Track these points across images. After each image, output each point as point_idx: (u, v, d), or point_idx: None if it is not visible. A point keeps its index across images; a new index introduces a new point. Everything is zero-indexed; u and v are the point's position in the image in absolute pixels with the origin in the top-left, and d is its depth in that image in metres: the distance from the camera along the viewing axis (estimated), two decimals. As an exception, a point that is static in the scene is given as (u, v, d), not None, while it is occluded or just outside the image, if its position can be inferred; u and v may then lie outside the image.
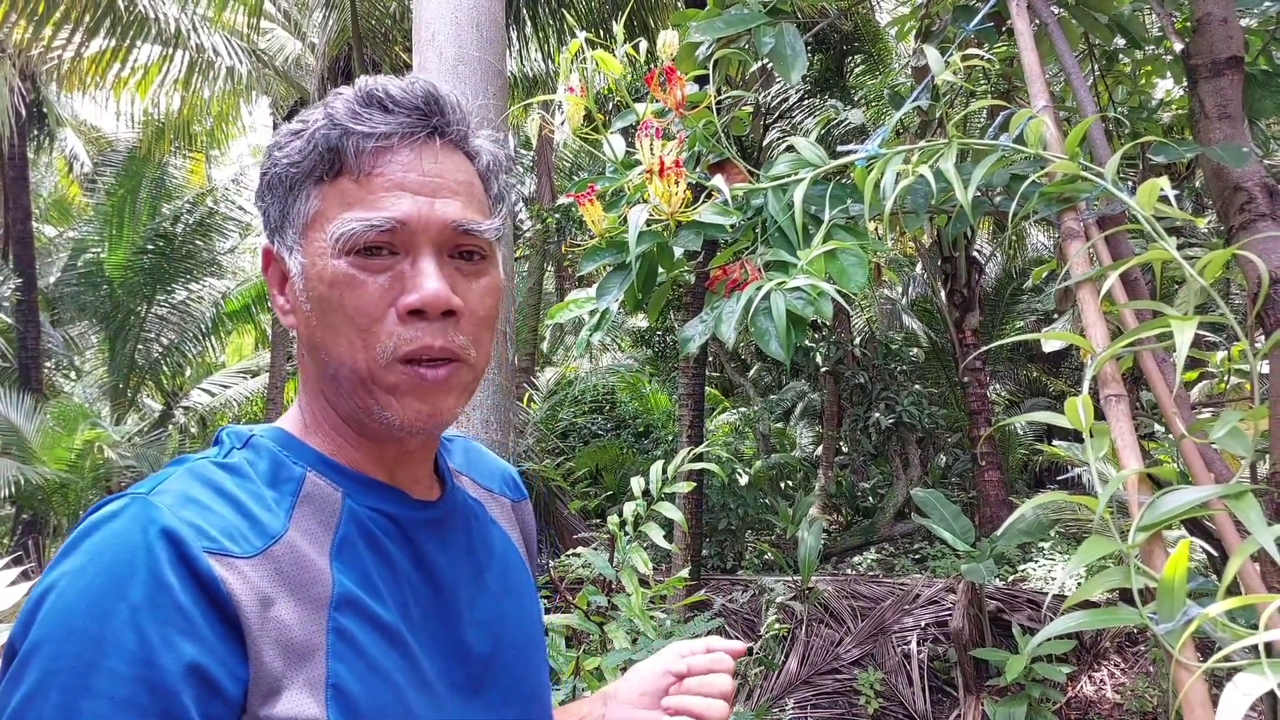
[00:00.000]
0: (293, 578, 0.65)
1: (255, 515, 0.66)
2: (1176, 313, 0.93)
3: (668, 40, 1.31)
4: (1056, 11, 1.90)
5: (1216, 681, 0.83)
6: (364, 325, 0.68)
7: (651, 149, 1.18)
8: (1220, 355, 1.43)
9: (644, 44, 1.39)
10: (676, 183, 1.20)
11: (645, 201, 1.27)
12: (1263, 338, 1.10)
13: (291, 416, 0.77)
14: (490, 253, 0.74)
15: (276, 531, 0.66)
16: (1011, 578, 6.72)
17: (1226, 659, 0.73)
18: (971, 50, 1.27)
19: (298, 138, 0.71)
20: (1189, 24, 1.64)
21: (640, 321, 11.15)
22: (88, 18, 7.36)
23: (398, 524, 0.73)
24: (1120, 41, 2.14)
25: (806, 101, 8.34)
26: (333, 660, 0.64)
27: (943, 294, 7.98)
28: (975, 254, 8.12)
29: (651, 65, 1.33)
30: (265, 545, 0.65)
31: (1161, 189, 0.98)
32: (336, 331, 0.69)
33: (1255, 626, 0.75)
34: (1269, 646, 0.74)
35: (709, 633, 5.50)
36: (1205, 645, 0.96)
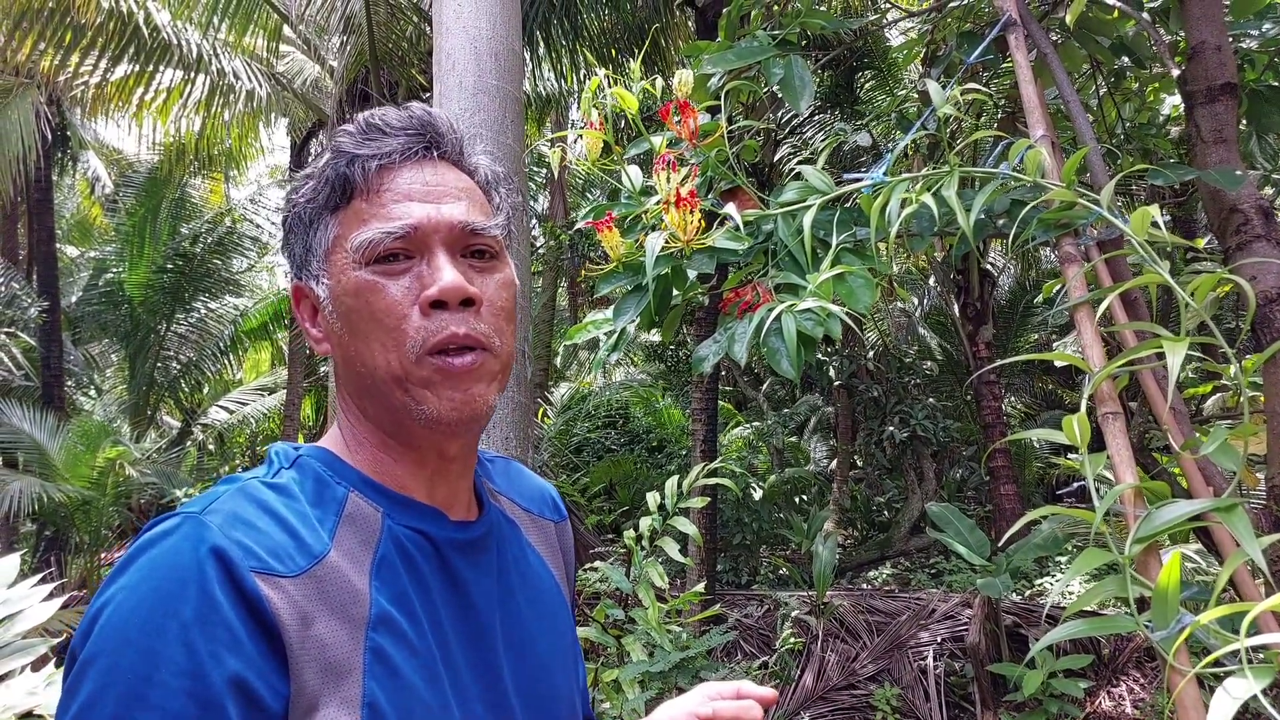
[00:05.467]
0: (333, 597, 0.67)
1: (300, 534, 0.69)
2: (1169, 334, 0.97)
3: (683, 78, 1.37)
4: (1057, 37, 1.95)
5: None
6: (392, 325, 0.72)
7: (668, 180, 1.24)
8: (1234, 369, 1.46)
9: (660, 80, 1.45)
10: (691, 212, 1.26)
11: (662, 228, 1.32)
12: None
13: (333, 437, 0.80)
14: (499, 250, 0.79)
15: (320, 551, 0.69)
16: (1028, 592, 6.68)
17: (1218, 663, 0.77)
18: (972, 85, 1.32)
19: (310, 179, 0.78)
20: (1186, 50, 1.69)
21: (653, 337, 11.19)
22: (113, 45, 7.54)
23: (434, 544, 0.76)
24: (1125, 60, 2.18)
25: (817, 118, 8.39)
26: (369, 679, 0.66)
27: (956, 307, 7.99)
28: (988, 267, 8.12)
29: (667, 99, 1.39)
30: (309, 565, 0.68)
31: (1153, 216, 1.03)
32: (367, 338, 0.73)
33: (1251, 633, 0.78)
34: (1262, 649, 0.78)
35: (726, 655, 5.49)
36: (1210, 652, 0.99)
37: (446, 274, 0.73)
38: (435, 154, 0.78)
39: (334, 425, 0.81)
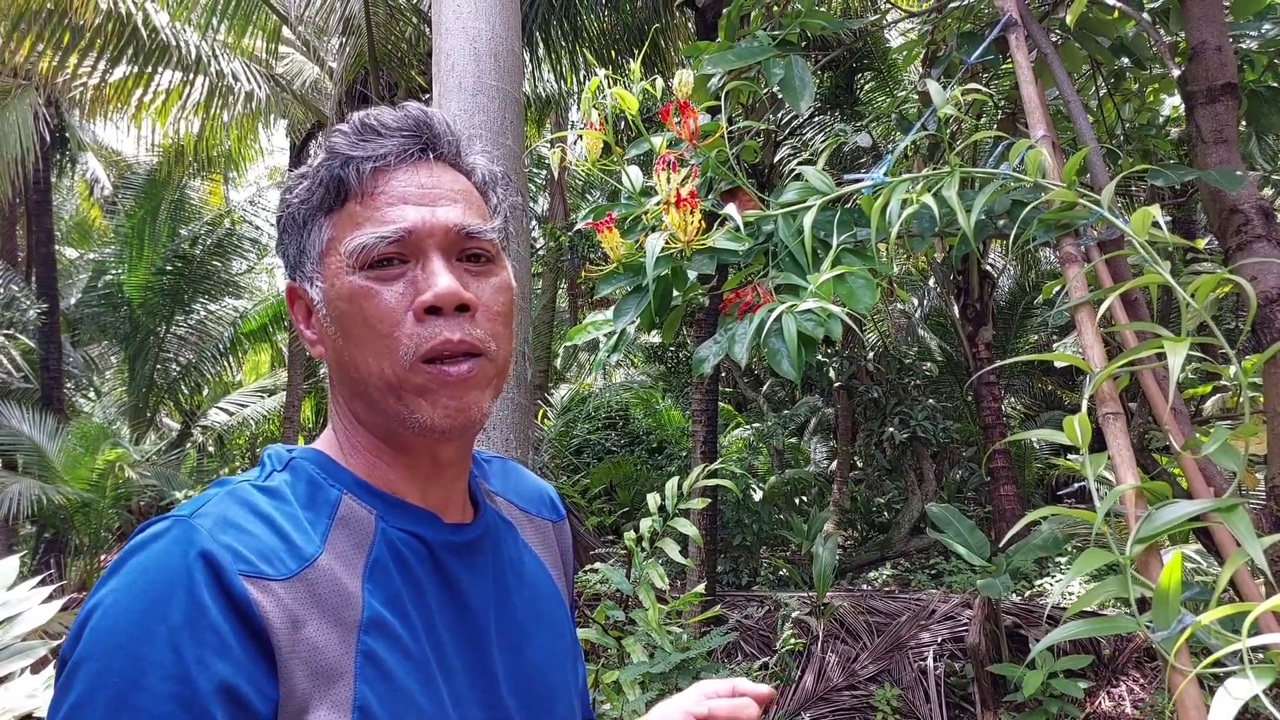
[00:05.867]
0: (325, 600, 0.67)
1: (291, 538, 0.69)
2: (1170, 334, 0.97)
3: (684, 78, 1.37)
4: (1058, 37, 1.95)
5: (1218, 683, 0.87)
6: (385, 331, 0.71)
7: (668, 181, 1.24)
8: (1234, 369, 1.46)
9: (660, 80, 1.45)
10: (692, 212, 1.26)
11: (661, 229, 1.32)
12: None
13: (328, 439, 0.80)
14: (496, 254, 0.78)
15: (311, 554, 0.69)
16: (1028, 593, 6.68)
17: (1219, 664, 0.77)
18: (972, 85, 1.32)
19: (305, 179, 0.76)
20: (1187, 50, 1.69)
21: (653, 338, 11.20)
22: (111, 46, 7.54)
23: (428, 547, 0.75)
24: (1125, 61, 2.18)
25: (816, 119, 8.39)
26: (360, 683, 0.66)
27: (956, 308, 7.99)
28: (988, 268, 8.13)
29: (667, 99, 1.39)
30: (299, 568, 0.68)
31: (1155, 215, 1.03)
32: (361, 343, 0.72)
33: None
34: (1263, 649, 0.78)
35: (726, 656, 5.49)
36: (1211, 652, 0.99)
37: (441, 279, 0.72)
38: (431, 155, 0.76)
39: (329, 427, 0.81)
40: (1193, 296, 0.98)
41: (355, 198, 0.74)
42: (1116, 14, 1.86)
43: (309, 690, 0.64)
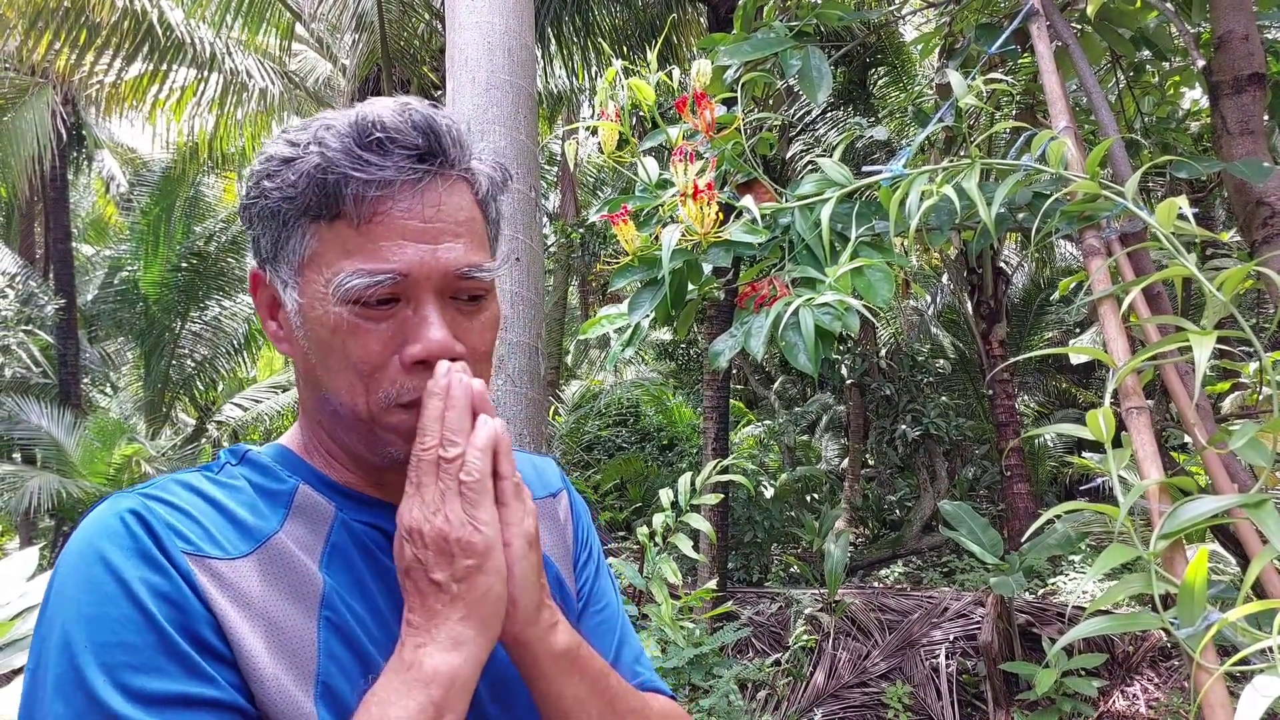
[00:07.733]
0: (282, 577, 0.66)
1: (243, 521, 0.68)
2: (1195, 327, 0.95)
3: (701, 69, 1.36)
4: (1077, 29, 1.93)
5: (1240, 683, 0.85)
6: (366, 371, 0.67)
7: (685, 173, 1.23)
8: (1253, 366, 1.44)
9: (676, 71, 1.44)
10: (709, 205, 1.25)
11: (677, 221, 1.31)
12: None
13: (292, 434, 0.78)
14: (490, 287, 0.73)
15: (268, 533, 0.68)
16: (1041, 591, 6.64)
17: (1245, 661, 0.75)
18: (994, 75, 1.31)
19: (289, 168, 0.68)
20: (1213, 39, 1.67)
21: (664, 334, 11.20)
22: (127, 44, 7.60)
23: (391, 539, 0.72)
24: (1146, 53, 2.16)
25: (830, 114, 8.35)
26: (324, 658, 0.65)
27: (969, 305, 7.94)
28: (1002, 265, 8.07)
29: (683, 91, 1.38)
30: (253, 548, 0.67)
31: (1180, 207, 1.01)
32: (337, 374, 0.68)
33: None
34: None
35: (738, 652, 5.47)
36: (1233, 650, 0.97)
37: (434, 332, 0.67)
38: (438, 177, 0.69)
39: (295, 424, 0.79)
40: (1219, 290, 0.96)
41: (349, 219, 0.67)
42: (1139, 4, 1.84)
43: (272, 668, 0.63)
